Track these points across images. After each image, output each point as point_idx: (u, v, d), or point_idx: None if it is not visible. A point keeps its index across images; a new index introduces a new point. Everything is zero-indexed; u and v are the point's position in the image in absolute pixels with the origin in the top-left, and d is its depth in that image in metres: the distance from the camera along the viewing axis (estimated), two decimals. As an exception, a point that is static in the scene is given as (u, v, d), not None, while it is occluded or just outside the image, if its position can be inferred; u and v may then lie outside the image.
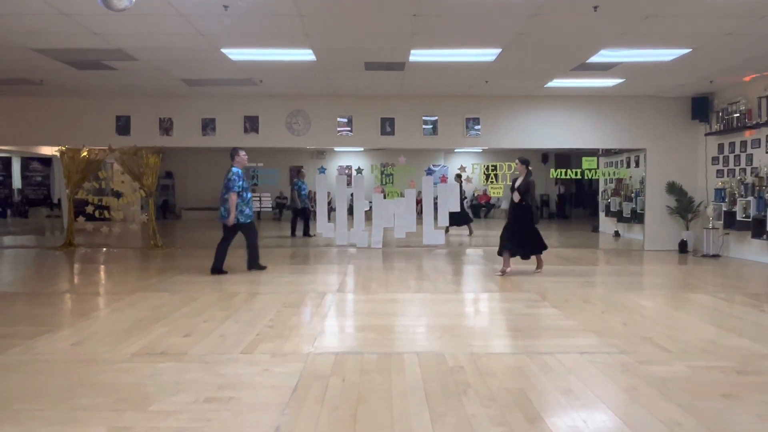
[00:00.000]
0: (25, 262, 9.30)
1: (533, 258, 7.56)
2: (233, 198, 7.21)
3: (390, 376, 3.50)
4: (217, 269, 7.41)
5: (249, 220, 7.54)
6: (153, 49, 7.27)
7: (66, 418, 2.90)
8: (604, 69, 8.32)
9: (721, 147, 9.89)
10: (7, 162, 17.54)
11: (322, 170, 11.48)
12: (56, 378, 3.50)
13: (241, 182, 7.31)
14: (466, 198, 13.73)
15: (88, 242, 11.48)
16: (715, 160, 10.04)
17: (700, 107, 10.10)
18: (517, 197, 7.39)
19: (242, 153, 7.53)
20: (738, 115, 9.29)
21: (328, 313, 5.37)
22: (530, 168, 7.44)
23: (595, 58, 7.64)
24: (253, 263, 7.72)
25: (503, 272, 7.34)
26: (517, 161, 7.54)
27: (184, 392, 3.23)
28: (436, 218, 10.97)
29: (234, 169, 7.33)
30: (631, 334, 4.55)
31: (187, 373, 3.55)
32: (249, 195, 7.57)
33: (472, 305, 5.96)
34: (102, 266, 8.71)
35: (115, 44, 6.97)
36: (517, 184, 7.44)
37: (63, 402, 3.10)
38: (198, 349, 4.07)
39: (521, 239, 7.37)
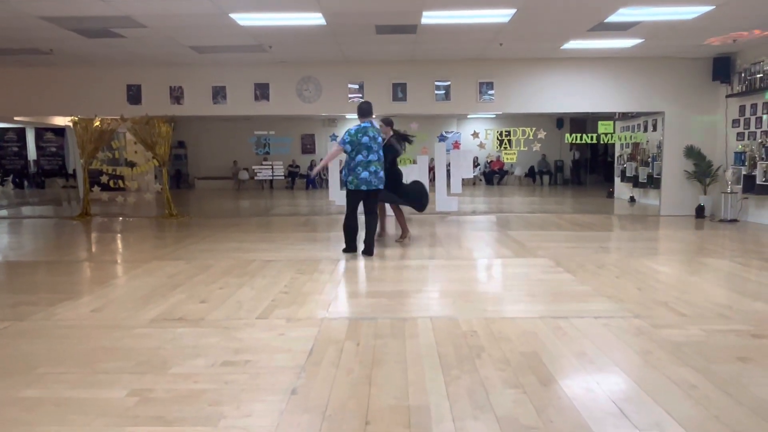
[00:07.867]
0: (43, 231, 9.45)
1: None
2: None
3: (404, 341, 3.53)
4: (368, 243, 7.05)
5: (372, 187, 6.42)
6: (161, 16, 7.17)
7: (89, 381, 2.98)
8: (623, 29, 8.06)
9: (742, 109, 9.62)
10: (21, 133, 17.66)
11: (334, 138, 11.43)
12: (78, 343, 3.59)
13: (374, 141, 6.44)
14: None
15: (103, 212, 11.63)
16: (735, 122, 9.79)
17: (722, 68, 9.78)
18: None
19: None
20: (761, 75, 8.99)
21: (341, 279, 5.41)
22: (395, 129, 7.18)
23: (613, 17, 7.40)
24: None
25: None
26: (380, 123, 7.02)
27: (202, 356, 3.29)
28: (448, 185, 10.91)
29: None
30: (645, 298, 4.53)
31: (204, 338, 3.62)
32: (370, 157, 6.33)
33: (485, 271, 5.95)
34: (118, 235, 8.82)
35: (123, 11, 6.88)
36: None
37: (85, 366, 3.18)
38: (215, 315, 4.14)
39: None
